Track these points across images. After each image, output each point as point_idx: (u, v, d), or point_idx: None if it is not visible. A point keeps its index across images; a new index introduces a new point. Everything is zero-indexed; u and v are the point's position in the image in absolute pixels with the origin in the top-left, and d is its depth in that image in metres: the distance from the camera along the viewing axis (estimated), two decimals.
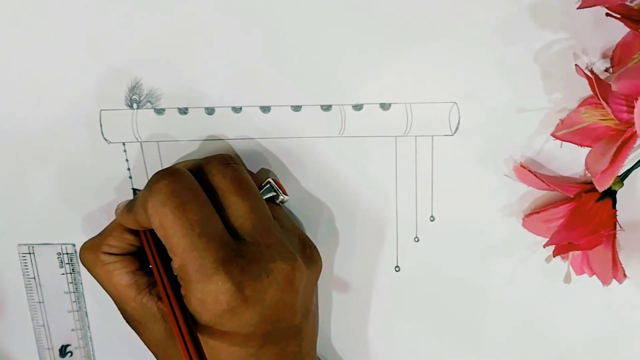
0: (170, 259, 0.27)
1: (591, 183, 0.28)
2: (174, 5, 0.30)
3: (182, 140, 0.32)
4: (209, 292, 0.25)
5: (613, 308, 0.33)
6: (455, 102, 0.30)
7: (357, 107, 0.31)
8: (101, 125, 0.32)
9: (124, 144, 0.32)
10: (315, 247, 0.30)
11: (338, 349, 0.35)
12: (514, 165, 0.31)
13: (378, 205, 0.32)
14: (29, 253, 0.34)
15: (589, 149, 0.29)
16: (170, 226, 0.26)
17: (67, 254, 0.34)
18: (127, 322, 0.29)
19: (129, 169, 0.33)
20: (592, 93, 0.28)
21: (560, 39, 0.29)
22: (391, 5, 0.29)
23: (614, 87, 0.24)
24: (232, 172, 0.28)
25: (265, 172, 0.32)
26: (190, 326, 0.25)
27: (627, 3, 0.26)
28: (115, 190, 0.33)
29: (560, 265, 0.31)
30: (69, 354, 0.36)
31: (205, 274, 0.25)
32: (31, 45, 0.30)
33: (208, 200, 0.27)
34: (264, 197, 0.30)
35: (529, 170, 0.30)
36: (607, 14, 0.26)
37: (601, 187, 0.27)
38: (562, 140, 0.30)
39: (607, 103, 0.25)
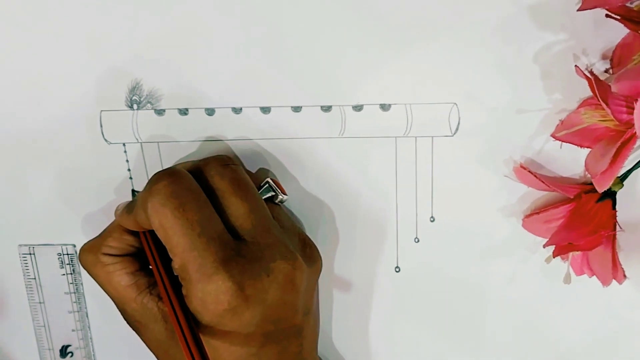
0: (170, 260, 0.27)
1: (591, 184, 0.28)
2: (174, 6, 0.30)
3: (182, 140, 0.32)
4: (210, 292, 0.25)
5: (613, 308, 0.33)
6: (455, 103, 0.30)
7: (357, 107, 0.31)
8: (101, 126, 0.32)
9: (124, 144, 0.32)
10: (315, 246, 0.30)
11: (339, 349, 0.36)
12: (514, 166, 0.31)
13: (378, 206, 0.32)
14: (30, 253, 0.34)
15: (589, 149, 0.29)
16: (170, 226, 0.26)
17: (67, 254, 0.34)
18: (127, 322, 0.29)
19: (129, 170, 0.33)
20: (592, 94, 0.28)
21: (560, 40, 0.29)
22: (391, 5, 0.29)
23: (614, 88, 0.24)
24: (230, 173, 0.28)
25: (264, 172, 0.32)
26: (191, 326, 0.25)
27: (627, 4, 0.26)
28: (116, 190, 0.33)
29: (560, 265, 0.31)
30: (70, 354, 0.36)
31: (206, 273, 0.25)
32: (31, 45, 0.30)
33: (208, 201, 0.27)
34: (263, 197, 0.30)
35: (529, 171, 0.30)
36: (607, 15, 0.27)
37: (601, 188, 0.27)
38: (562, 141, 0.30)
39: (606, 104, 0.25)
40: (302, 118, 0.31)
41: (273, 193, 0.30)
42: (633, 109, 0.24)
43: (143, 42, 0.30)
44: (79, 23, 0.30)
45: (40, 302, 0.35)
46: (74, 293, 0.35)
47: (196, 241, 0.25)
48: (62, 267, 0.34)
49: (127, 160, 0.32)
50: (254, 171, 0.32)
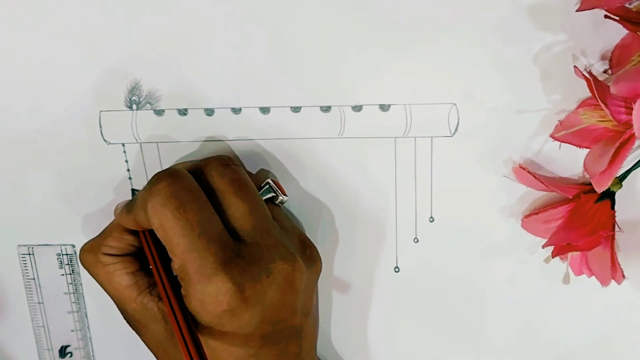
0: (170, 260, 0.27)
1: (590, 184, 0.28)
2: (173, 6, 0.30)
3: (181, 141, 0.32)
4: (209, 293, 0.25)
5: (612, 308, 0.33)
6: (454, 103, 0.30)
7: (357, 108, 0.31)
8: (101, 126, 0.32)
9: (123, 145, 0.32)
10: (314, 247, 0.30)
11: (338, 349, 0.36)
12: (513, 166, 0.31)
13: (377, 206, 0.32)
14: (29, 254, 0.34)
15: (588, 150, 0.29)
16: (170, 227, 0.26)
17: (66, 254, 0.34)
18: (127, 322, 0.29)
19: (128, 170, 0.33)
20: (590, 94, 0.28)
21: (559, 41, 0.29)
22: (391, 5, 0.29)
23: (613, 90, 0.24)
24: (231, 174, 0.28)
25: (264, 173, 0.32)
26: (190, 327, 0.25)
27: (626, 5, 0.26)
28: (115, 191, 0.33)
29: (560, 266, 0.31)
30: (69, 354, 0.36)
31: (205, 274, 0.25)
32: (31, 45, 0.30)
33: (208, 201, 0.27)
34: (263, 198, 0.30)
35: (528, 171, 0.30)
36: (606, 16, 0.27)
37: (600, 188, 0.27)
38: (561, 142, 0.30)
39: (605, 105, 0.25)
40: (301, 118, 0.31)
41: (273, 194, 0.30)
42: (632, 109, 0.24)
43: (142, 42, 0.30)
44: (78, 23, 0.30)
45: (39, 303, 0.35)
46: (73, 293, 0.35)
47: (196, 242, 0.25)
48: (62, 268, 0.34)
49: (127, 161, 0.32)
50: (253, 172, 0.32)
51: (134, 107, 0.31)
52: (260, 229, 0.27)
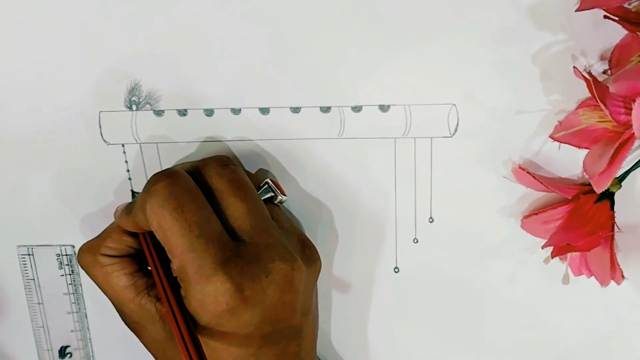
0: (169, 261, 0.27)
1: (589, 185, 0.28)
2: (173, 6, 0.30)
3: (181, 141, 0.32)
4: (209, 293, 0.25)
5: (611, 309, 0.33)
6: (454, 104, 0.30)
7: (356, 108, 0.31)
8: (100, 127, 0.32)
9: (123, 145, 0.32)
10: (314, 247, 0.30)
11: (338, 349, 0.36)
12: (513, 167, 0.31)
13: (377, 207, 0.32)
14: (28, 254, 0.34)
15: (587, 150, 0.29)
16: (169, 227, 0.26)
17: (66, 255, 0.34)
18: (125, 323, 0.29)
19: (128, 171, 0.33)
20: (590, 95, 0.28)
21: (558, 41, 0.29)
22: (391, 6, 0.29)
23: (612, 88, 0.24)
24: (229, 174, 0.28)
25: (263, 173, 0.32)
26: (190, 327, 0.25)
27: (625, 5, 0.26)
28: (115, 191, 0.33)
29: (559, 266, 0.31)
30: (69, 355, 0.36)
31: (204, 274, 0.25)
32: (30, 45, 0.30)
33: (206, 202, 0.27)
34: (262, 198, 0.30)
35: (528, 172, 0.30)
36: (605, 17, 0.27)
37: (599, 189, 0.27)
38: (561, 142, 0.30)
39: (605, 105, 0.25)
40: (301, 119, 0.31)
41: (272, 194, 0.30)
42: (631, 109, 0.24)
43: (142, 42, 0.30)
44: (78, 23, 0.30)
45: (39, 303, 0.35)
46: (73, 294, 0.35)
47: (195, 242, 0.25)
48: (61, 268, 0.34)
49: (126, 161, 0.32)
50: (253, 172, 0.32)
51: (134, 107, 0.31)
52: (259, 229, 0.27)
